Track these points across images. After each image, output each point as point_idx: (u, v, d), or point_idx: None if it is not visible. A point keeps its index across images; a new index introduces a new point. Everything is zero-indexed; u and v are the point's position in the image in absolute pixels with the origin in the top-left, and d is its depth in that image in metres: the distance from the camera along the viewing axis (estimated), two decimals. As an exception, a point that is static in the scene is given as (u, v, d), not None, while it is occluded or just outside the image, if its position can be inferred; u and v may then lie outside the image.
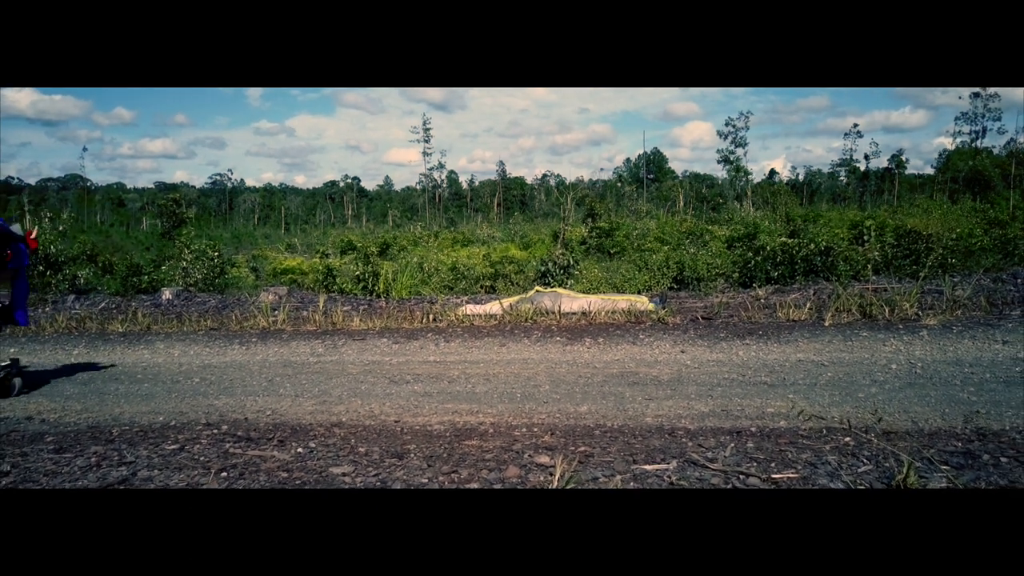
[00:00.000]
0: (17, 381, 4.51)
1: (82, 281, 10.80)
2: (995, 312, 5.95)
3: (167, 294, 9.57)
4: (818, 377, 4.24)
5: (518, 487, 2.57)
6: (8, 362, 4.52)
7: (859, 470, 2.60)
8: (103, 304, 9.00)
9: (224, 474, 2.79)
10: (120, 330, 7.10)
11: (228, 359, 5.57)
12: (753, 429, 3.21)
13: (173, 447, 3.17)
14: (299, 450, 3.09)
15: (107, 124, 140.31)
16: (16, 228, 4.41)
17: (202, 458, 3.00)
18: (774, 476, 2.56)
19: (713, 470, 2.64)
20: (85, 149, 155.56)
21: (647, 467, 2.70)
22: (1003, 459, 2.67)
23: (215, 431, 3.44)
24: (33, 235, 4.53)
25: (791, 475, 2.57)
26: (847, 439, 2.98)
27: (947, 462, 2.65)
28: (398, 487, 2.62)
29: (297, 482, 2.70)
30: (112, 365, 5.46)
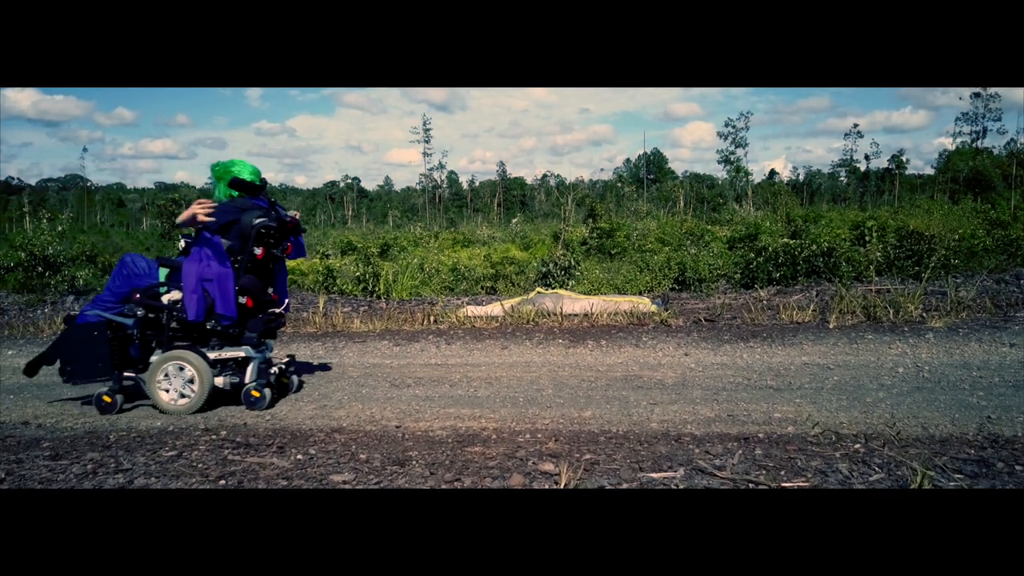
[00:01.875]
0: (295, 378, 4.43)
1: (81, 282, 10.75)
2: (1000, 314, 5.90)
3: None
4: (824, 381, 4.19)
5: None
6: (287, 359, 4.44)
7: (871, 478, 2.55)
8: (102, 306, 8.94)
9: (222, 482, 2.74)
10: (119, 332, 7.04)
11: (227, 362, 5.52)
12: (761, 435, 3.16)
13: (171, 453, 3.12)
14: (299, 457, 3.03)
15: (108, 124, 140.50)
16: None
17: (200, 465, 2.95)
18: (784, 484, 2.51)
19: (721, 478, 2.59)
20: (85, 149, 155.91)
21: (654, 475, 2.65)
22: (1018, 467, 2.62)
23: (213, 436, 3.39)
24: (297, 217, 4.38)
25: (801, 483, 2.52)
26: (857, 446, 2.93)
27: (960, 470, 2.60)
28: (400, 495, 2.57)
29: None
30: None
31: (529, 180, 73.53)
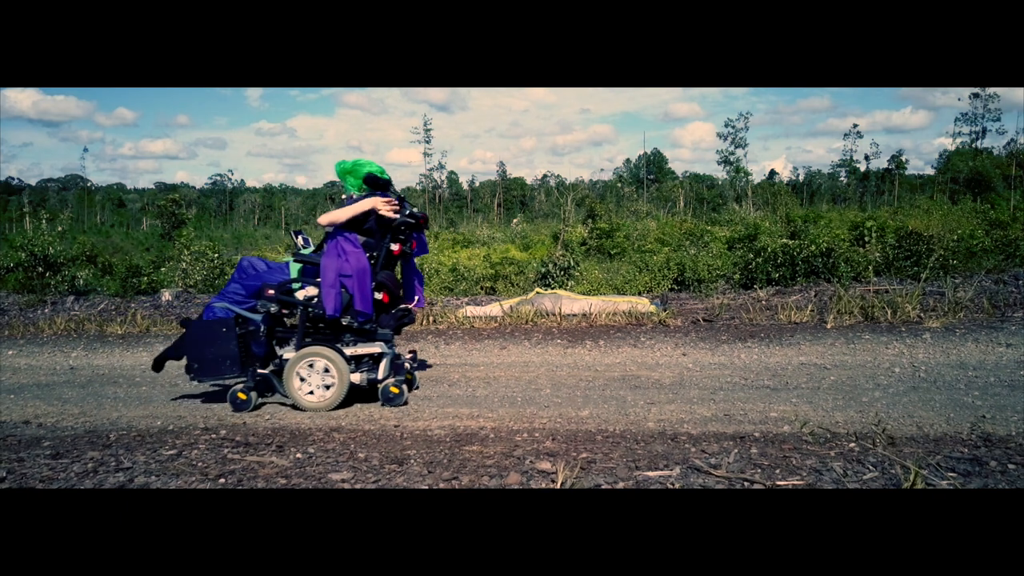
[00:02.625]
0: (417, 375, 4.38)
1: (81, 282, 10.77)
2: (998, 314, 5.91)
3: (166, 295, 9.55)
4: (821, 381, 4.20)
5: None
6: (410, 354, 4.39)
7: (865, 477, 2.57)
8: (102, 306, 8.97)
9: (222, 480, 2.76)
10: (119, 332, 7.07)
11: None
12: (757, 434, 3.18)
13: (171, 452, 3.14)
14: (298, 455, 3.05)
15: (109, 125, 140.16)
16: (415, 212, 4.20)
17: (199, 464, 2.96)
18: (779, 483, 2.53)
19: (717, 477, 2.61)
20: (86, 150, 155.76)
21: (650, 474, 2.67)
22: (1011, 466, 2.64)
23: (213, 436, 3.41)
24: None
25: (796, 482, 2.54)
26: (852, 445, 2.95)
27: (954, 469, 2.62)
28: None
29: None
30: (110, 367, 5.43)
31: (529, 180, 73.49)
